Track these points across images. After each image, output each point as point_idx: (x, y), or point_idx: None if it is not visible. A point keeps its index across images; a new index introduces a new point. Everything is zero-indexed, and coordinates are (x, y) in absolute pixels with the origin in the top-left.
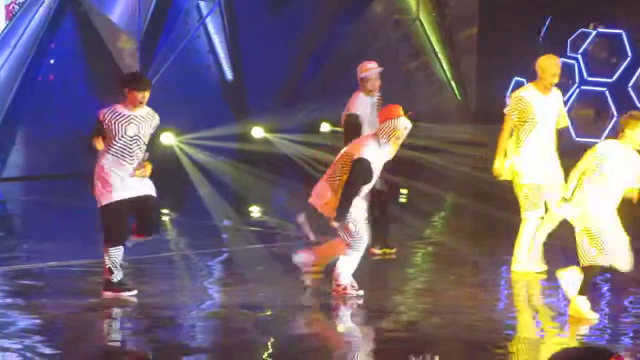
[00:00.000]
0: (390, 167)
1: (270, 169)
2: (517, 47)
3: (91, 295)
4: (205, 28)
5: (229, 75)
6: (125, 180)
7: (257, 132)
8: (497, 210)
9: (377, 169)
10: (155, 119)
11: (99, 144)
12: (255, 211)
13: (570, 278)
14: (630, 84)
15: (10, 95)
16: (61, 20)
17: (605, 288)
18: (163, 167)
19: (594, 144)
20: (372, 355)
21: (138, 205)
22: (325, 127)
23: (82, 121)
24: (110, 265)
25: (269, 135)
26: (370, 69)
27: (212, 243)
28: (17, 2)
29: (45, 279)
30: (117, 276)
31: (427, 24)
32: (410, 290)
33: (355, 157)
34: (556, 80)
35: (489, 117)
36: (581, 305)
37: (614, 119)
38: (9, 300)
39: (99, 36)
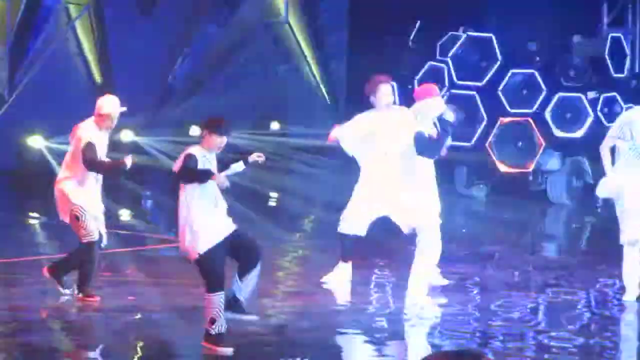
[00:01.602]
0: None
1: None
2: (388, 50)
3: None
4: (74, 30)
5: (97, 77)
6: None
7: (127, 135)
8: None
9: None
10: None
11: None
12: (124, 215)
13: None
14: (500, 87)
15: None
16: None
17: (475, 291)
18: (31, 170)
19: (462, 147)
20: (241, 358)
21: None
22: (195, 130)
23: None
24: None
25: (138, 139)
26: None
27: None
28: None
29: None
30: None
31: (297, 27)
32: (278, 293)
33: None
34: None
35: None
36: None
37: (484, 122)
38: None
39: None
